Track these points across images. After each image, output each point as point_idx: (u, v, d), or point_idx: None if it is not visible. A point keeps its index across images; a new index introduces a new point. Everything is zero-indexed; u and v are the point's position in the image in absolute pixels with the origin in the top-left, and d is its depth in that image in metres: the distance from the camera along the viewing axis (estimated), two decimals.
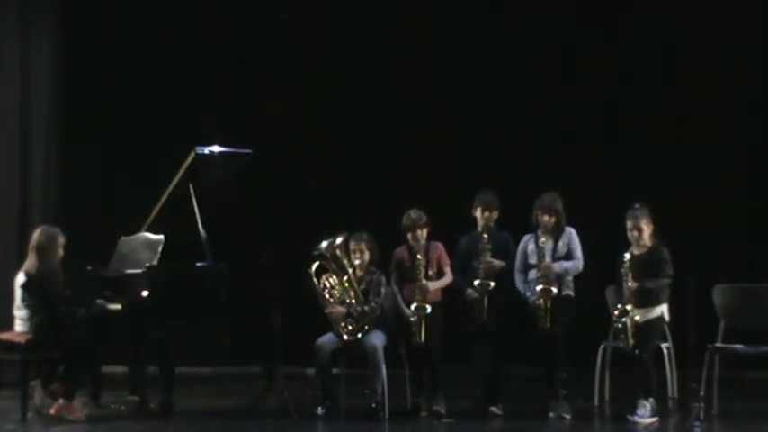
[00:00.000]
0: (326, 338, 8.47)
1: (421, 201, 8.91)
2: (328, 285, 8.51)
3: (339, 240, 8.50)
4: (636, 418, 8.15)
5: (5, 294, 9.01)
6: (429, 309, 8.42)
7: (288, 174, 10.81)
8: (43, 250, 8.37)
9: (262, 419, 8.51)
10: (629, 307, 8.23)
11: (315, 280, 8.50)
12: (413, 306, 8.44)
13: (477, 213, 8.70)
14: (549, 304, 8.37)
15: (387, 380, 8.33)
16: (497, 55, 10.97)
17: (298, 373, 9.53)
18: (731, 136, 10.71)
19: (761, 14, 10.72)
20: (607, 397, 8.76)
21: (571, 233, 8.56)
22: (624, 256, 8.33)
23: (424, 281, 8.50)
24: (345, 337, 8.43)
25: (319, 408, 8.43)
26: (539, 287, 8.40)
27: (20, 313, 8.42)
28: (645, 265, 8.34)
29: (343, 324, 8.45)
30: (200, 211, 8.71)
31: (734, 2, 10.69)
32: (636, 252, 8.40)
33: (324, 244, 8.48)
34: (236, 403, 9.25)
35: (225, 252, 8.60)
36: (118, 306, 8.49)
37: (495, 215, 8.68)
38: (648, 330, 8.29)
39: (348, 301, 8.47)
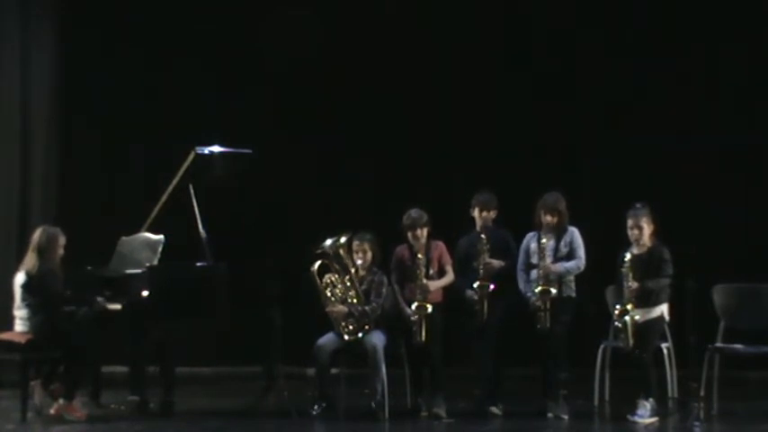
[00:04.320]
0: (326, 339, 8.47)
1: (421, 200, 8.91)
2: (330, 284, 8.51)
3: (343, 240, 8.50)
4: (636, 418, 8.15)
5: (5, 294, 9.01)
6: (430, 308, 8.42)
7: (288, 174, 10.81)
8: (44, 250, 8.37)
9: (262, 419, 8.51)
10: (629, 307, 8.23)
11: (317, 278, 8.50)
12: (414, 305, 8.44)
13: (476, 213, 8.70)
14: (548, 305, 8.37)
15: (387, 380, 8.33)
16: (497, 54, 10.99)
17: (298, 373, 9.53)
18: (731, 135, 10.70)
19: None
20: (607, 397, 8.76)
21: (573, 232, 8.56)
22: (624, 256, 8.33)
23: (424, 280, 8.49)
24: (346, 336, 8.43)
25: (315, 407, 8.43)
26: (538, 288, 8.40)
27: (20, 313, 8.42)
28: (645, 265, 8.34)
29: (343, 323, 8.45)
30: (200, 211, 8.71)
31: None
32: (636, 252, 8.40)
33: (328, 242, 8.48)
34: (236, 403, 9.25)
35: (225, 252, 8.59)
36: (118, 306, 8.49)
37: (494, 215, 8.68)
38: (648, 330, 8.29)
39: (349, 300, 8.47)
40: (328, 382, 8.47)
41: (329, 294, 8.49)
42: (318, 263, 8.50)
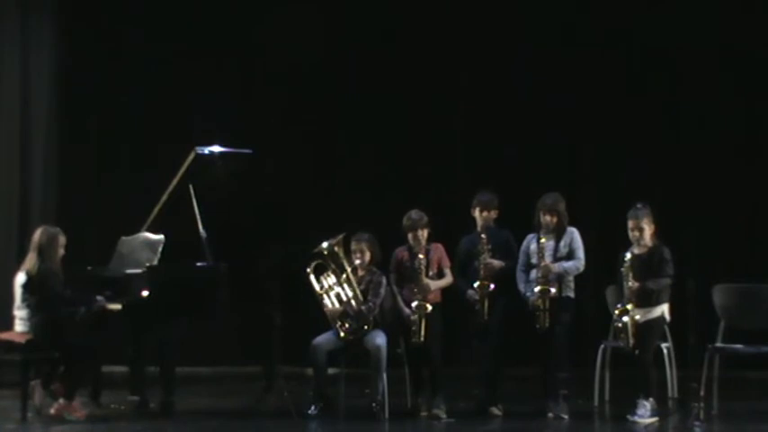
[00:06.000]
0: (323, 339, 8.47)
1: (421, 201, 8.91)
2: (326, 284, 8.51)
3: (339, 240, 8.50)
4: (636, 418, 8.15)
5: (5, 294, 9.01)
6: (430, 308, 8.42)
7: (288, 174, 10.81)
8: (44, 250, 8.36)
9: (262, 419, 8.51)
10: (629, 307, 8.23)
11: (313, 278, 8.50)
12: (414, 304, 8.43)
13: (476, 213, 8.70)
14: (546, 305, 8.37)
15: (387, 380, 8.33)
16: (498, 54, 10.99)
17: (298, 373, 9.54)
18: (730, 136, 10.72)
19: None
20: (607, 397, 8.77)
21: (573, 233, 8.55)
22: (625, 256, 8.33)
23: (425, 280, 8.49)
24: (342, 334, 8.43)
25: (312, 407, 8.43)
26: (537, 288, 8.40)
27: (20, 313, 8.42)
28: (645, 265, 8.33)
29: (340, 323, 8.45)
30: (200, 211, 8.71)
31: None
32: (636, 252, 8.39)
33: (325, 243, 8.48)
34: (236, 403, 9.26)
35: (225, 252, 8.59)
36: (118, 306, 8.48)
37: (495, 215, 8.68)
38: (648, 330, 8.28)
39: (346, 300, 8.47)
40: (325, 382, 8.47)
41: (325, 295, 8.49)
42: (315, 263, 8.51)
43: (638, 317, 8.23)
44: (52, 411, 8.34)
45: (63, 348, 8.32)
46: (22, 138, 11.20)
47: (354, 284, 8.49)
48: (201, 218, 8.71)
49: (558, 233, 8.52)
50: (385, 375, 8.31)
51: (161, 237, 8.72)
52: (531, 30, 10.95)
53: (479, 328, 8.53)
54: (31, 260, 8.39)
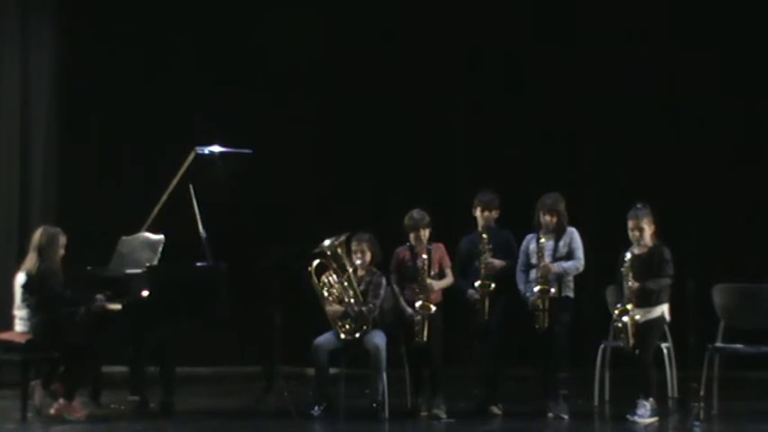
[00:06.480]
0: (325, 338, 8.47)
1: (421, 201, 8.91)
2: (327, 284, 8.51)
3: (341, 239, 8.50)
4: (636, 418, 8.15)
5: (5, 294, 9.01)
6: (434, 308, 8.41)
7: (288, 174, 10.81)
8: (44, 250, 8.37)
9: (262, 419, 8.51)
10: (629, 307, 8.23)
11: (314, 278, 8.50)
12: (417, 305, 8.42)
13: (477, 213, 8.70)
14: (546, 305, 8.37)
15: (387, 380, 8.32)
16: (499, 55, 10.99)
17: (298, 373, 9.53)
18: (730, 136, 10.71)
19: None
20: (607, 397, 8.77)
21: (573, 233, 8.55)
22: (625, 256, 8.33)
23: (428, 280, 8.48)
24: (342, 336, 8.43)
25: (315, 408, 8.43)
26: (536, 288, 8.40)
27: (20, 313, 8.42)
28: (645, 265, 8.33)
29: (340, 323, 8.45)
30: (200, 211, 8.71)
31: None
32: (636, 252, 8.40)
33: (326, 242, 8.48)
34: (236, 403, 9.26)
35: (225, 252, 8.60)
36: (118, 306, 8.48)
37: (496, 215, 8.68)
38: (648, 330, 8.28)
39: (347, 300, 8.47)
40: (327, 382, 8.47)
41: (326, 294, 8.49)
42: (316, 262, 8.51)
43: (638, 317, 8.23)
44: (52, 411, 8.34)
45: (63, 348, 8.33)
46: (22, 138, 11.19)
47: (355, 285, 8.49)
48: (201, 218, 8.71)
49: (558, 233, 8.52)
50: (385, 375, 8.31)
51: (161, 237, 8.72)
52: (530, 30, 10.95)
53: (479, 328, 8.54)
54: (31, 260, 8.39)
